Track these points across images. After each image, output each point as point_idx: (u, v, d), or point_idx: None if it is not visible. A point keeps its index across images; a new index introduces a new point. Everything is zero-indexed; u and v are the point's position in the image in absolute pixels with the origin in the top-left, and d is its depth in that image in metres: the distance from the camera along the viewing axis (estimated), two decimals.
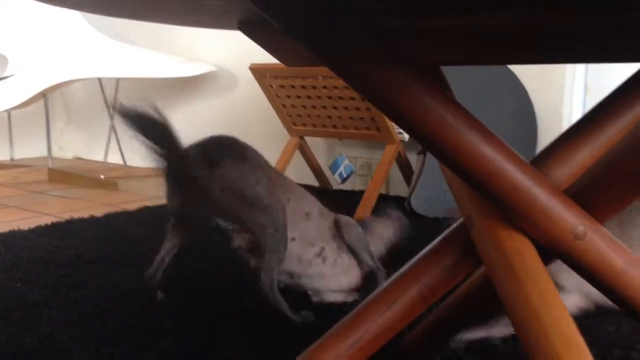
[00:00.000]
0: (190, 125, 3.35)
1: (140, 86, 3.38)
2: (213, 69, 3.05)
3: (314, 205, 1.35)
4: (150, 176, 3.23)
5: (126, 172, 3.18)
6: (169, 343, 1.11)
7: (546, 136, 2.27)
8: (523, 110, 2.28)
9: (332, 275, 1.33)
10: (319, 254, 1.31)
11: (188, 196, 1.22)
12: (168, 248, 1.32)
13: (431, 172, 2.20)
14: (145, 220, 2.07)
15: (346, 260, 1.35)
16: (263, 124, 2.88)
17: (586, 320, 1.22)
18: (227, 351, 1.09)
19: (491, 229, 0.64)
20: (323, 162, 2.75)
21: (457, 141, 0.60)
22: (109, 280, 1.45)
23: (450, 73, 2.18)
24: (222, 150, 1.23)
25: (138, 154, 3.33)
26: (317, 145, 2.79)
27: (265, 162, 1.31)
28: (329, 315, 1.24)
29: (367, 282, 1.35)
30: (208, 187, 1.17)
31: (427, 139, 0.62)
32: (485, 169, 0.61)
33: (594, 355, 0.63)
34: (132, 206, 2.36)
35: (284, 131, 2.58)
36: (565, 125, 2.27)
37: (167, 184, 1.27)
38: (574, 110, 2.27)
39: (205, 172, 1.18)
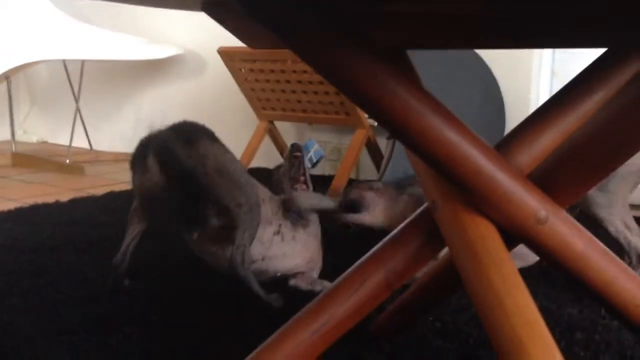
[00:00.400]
0: (157, 109, 3.32)
1: (105, 68, 3.31)
2: (180, 51, 3.00)
3: (264, 191, 1.37)
4: (117, 160, 3.18)
5: (93, 157, 3.13)
6: (135, 330, 1.10)
7: (514, 122, 2.30)
8: (491, 96, 2.30)
9: (293, 252, 1.36)
10: (277, 232, 1.33)
11: (166, 179, 1.21)
12: (134, 233, 1.30)
13: (400, 157, 2.20)
14: (111, 206, 2.04)
15: (302, 234, 1.39)
16: (232, 108, 2.86)
17: (549, 304, 1.24)
18: (195, 337, 1.08)
19: (455, 214, 0.65)
20: None
21: (421, 126, 0.60)
22: (73, 267, 1.42)
23: (419, 59, 2.17)
24: (197, 131, 1.25)
25: (105, 138, 3.25)
26: (286, 129, 2.77)
27: None
28: (300, 299, 1.24)
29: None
30: (189, 165, 1.17)
31: (391, 124, 0.62)
32: (449, 154, 0.61)
33: (556, 338, 0.64)
34: (99, 191, 2.32)
35: (253, 116, 2.56)
36: (532, 110, 2.29)
37: (136, 167, 1.25)
38: (541, 96, 2.30)
39: (186, 151, 1.18)
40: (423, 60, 2.27)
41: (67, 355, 1.00)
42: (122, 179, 2.59)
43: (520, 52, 2.28)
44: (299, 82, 2.27)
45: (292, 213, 1.38)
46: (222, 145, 1.27)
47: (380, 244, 0.73)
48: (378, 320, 1.13)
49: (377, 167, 2.45)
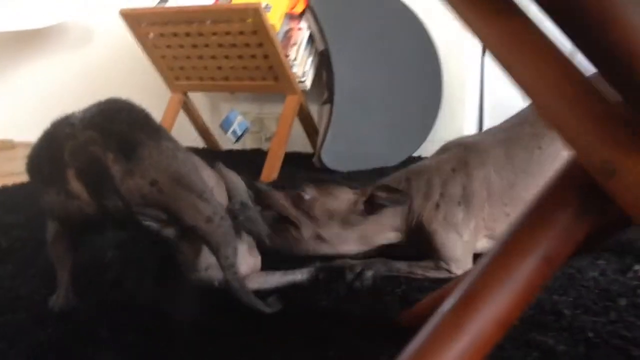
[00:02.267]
0: (37, 89, 2.88)
1: None
2: (65, 18, 2.60)
3: (210, 175, 1.06)
4: None
5: None
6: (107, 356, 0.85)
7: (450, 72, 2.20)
8: (425, 49, 2.17)
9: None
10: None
11: (99, 204, 0.87)
12: (67, 269, 0.99)
13: (341, 124, 2.02)
14: (10, 203, 1.69)
15: (245, 235, 1.11)
16: (134, 81, 2.51)
17: (568, 270, 1.13)
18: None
19: None
20: (207, 120, 2.45)
21: None
22: None
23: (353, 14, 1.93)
24: (131, 129, 0.89)
25: None
26: (198, 101, 2.48)
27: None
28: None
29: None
30: (131, 185, 0.86)
31: None
32: None
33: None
34: None
35: (163, 88, 2.25)
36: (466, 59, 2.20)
37: (47, 182, 0.90)
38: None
39: (124, 166, 0.86)
40: (358, 17, 2.10)
41: None
42: (6, 170, 2.19)
43: None
44: (220, 45, 2.00)
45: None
46: (168, 140, 0.92)
47: (510, 230, 0.54)
48: (408, 312, 0.96)
49: (310, 136, 2.25)
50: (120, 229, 0.94)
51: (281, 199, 1.19)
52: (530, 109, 1.22)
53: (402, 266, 1.15)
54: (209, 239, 0.94)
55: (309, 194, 1.19)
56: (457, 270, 1.14)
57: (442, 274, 1.14)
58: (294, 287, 1.09)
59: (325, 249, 1.19)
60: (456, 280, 0.89)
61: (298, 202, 1.19)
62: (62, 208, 0.89)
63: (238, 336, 0.92)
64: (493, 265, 0.53)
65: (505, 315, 0.51)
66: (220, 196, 1.05)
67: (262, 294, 1.01)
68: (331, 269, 1.12)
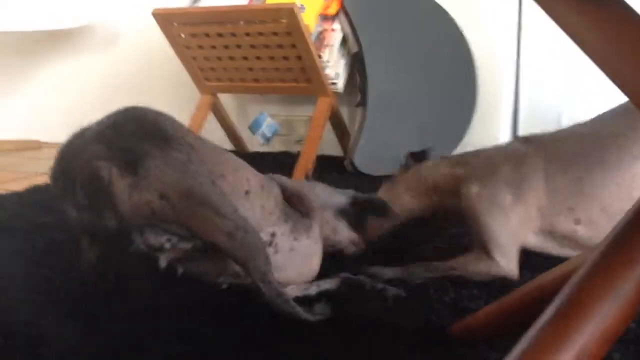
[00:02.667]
0: (59, 90, 2.87)
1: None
2: (94, 19, 2.59)
3: (253, 177, 1.01)
4: (19, 150, 2.73)
5: None
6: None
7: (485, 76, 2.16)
8: (460, 51, 2.14)
9: (288, 266, 1.03)
10: (270, 243, 0.99)
11: (96, 216, 0.85)
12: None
13: (374, 126, 1.99)
14: (43, 203, 1.66)
15: (305, 242, 1.06)
16: (165, 82, 2.50)
17: None
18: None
19: None
20: (235, 122, 2.43)
21: None
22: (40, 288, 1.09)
23: (384, 21, 1.90)
24: (138, 142, 0.84)
25: (3, 126, 2.75)
26: (224, 102, 2.45)
27: (184, 128, 0.95)
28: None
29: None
30: (138, 200, 0.82)
31: None
32: None
33: None
34: (13, 187, 1.91)
35: (193, 89, 2.23)
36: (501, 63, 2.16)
37: (65, 196, 0.88)
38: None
39: (129, 182, 0.81)
40: (392, 18, 2.07)
41: None
42: (34, 170, 2.17)
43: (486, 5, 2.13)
44: (253, 46, 1.98)
45: (296, 212, 1.06)
46: (180, 151, 0.86)
47: (613, 234, 0.51)
48: (461, 324, 0.93)
49: (341, 139, 2.22)
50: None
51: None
52: (613, 111, 1.19)
53: (441, 265, 1.12)
54: (233, 254, 0.88)
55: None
56: (500, 258, 1.09)
57: (482, 266, 1.10)
58: (336, 295, 1.06)
59: None
60: (514, 294, 0.86)
61: None
62: (78, 221, 0.88)
63: (284, 345, 0.89)
64: (596, 275, 0.50)
65: (612, 329, 0.48)
66: (263, 201, 1.00)
67: (305, 300, 0.98)
68: (355, 282, 1.08)
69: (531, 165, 1.12)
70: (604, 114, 1.21)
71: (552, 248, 1.14)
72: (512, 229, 1.11)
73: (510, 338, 0.87)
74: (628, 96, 0.48)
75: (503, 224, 1.10)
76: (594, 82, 2.07)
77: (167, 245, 0.88)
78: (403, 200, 1.24)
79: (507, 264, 1.10)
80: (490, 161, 1.17)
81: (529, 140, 1.19)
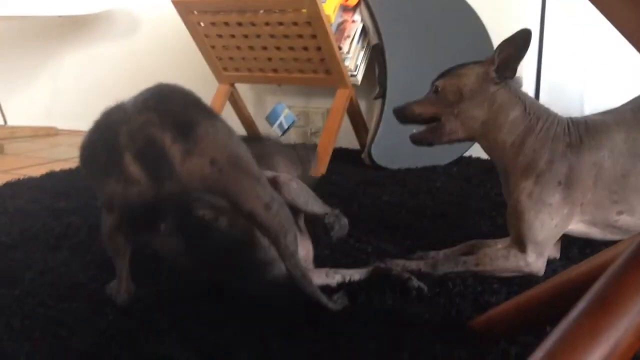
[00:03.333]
0: (80, 76, 2.88)
1: (14, 28, 2.83)
2: (113, 5, 2.59)
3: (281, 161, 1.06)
4: (37, 136, 2.74)
5: (8, 133, 2.66)
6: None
7: None
8: (481, 44, 2.11)
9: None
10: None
11: (158, 188, 0.82)
12: (126, 259, 0.94)
13: (392, 120, 1.96)
14: (60, 189, 1.67)
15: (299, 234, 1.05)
16: (182, 70, 2.49)
17: None
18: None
19: None
20: (252, 113, 2.42)
21: None
22: (54, 270, 1.08)
23: (406, 10, 1.86)
24: (186, 110, 0.85)
25: (19, 111, 2.78)
26: (243, 93, 2.45)
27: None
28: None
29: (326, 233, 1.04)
30: (191, 166, 0.81)
31: None
32: None
33: None
34: (30, 172, 1.92)
35: (211, 79, 2.23)
36: None
37: (103, 170, 0.86)
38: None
39: (183, 146, 0.81)
40: (413, 10, 2.05)
41: None
42: (51, 157, 2.18)
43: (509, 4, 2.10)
44: (272, 36, 1.96)
45: None
46: (223, 122, 0.88)
47: None
48: (483, 317, 0.91)
49: (358, 132, 2.21)
50: (174, 220, 0.90)
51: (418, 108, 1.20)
52: None
53: (469, 259, 1.10)
54: (268, 226, 0.87)
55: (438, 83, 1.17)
56: (532, 254, 1.07)
57: (511, 261, 1.08)
58: (358, 285, 1.05)
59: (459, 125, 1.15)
60: (536, 288, 0.84)
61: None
62: (122, 196, 0.84)
63: (301, 332, 0.88)
64: (631, 269, 0.48)
65: None
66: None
67: (326, 290, 0.97)
68: (385, 271, 1.07)
69: (586, 159, 1.08)
70: None
71: (594, 233, 1.13)
72: (553, 228, 1.08)
73: (530, 333, 0.87)
74: None
75: (546, 222, 1.08)
76: (618, 74, 2.05)
77: (209, 215, 0.89)
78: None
79: (537, 261, 1.08)
80: (543, 148, 1.09)
81: (586, 124, 1.12)
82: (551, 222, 1.07)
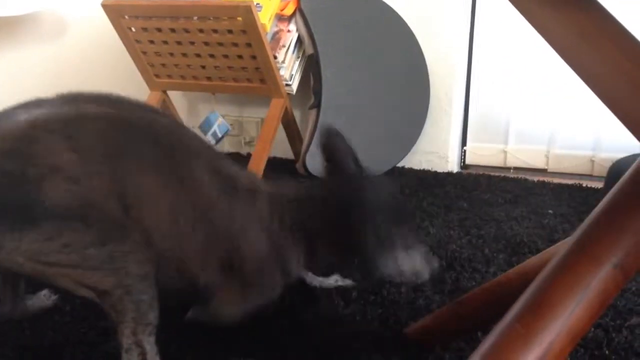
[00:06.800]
0: (8, 82, 2.74)
1: None
2: (40, 7, 2.49)
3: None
4: None
5: None
6: None
7: (436, 81, 2.18)
8: (414, 59, 2.15)
9: None
10: None
11: None
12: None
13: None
14: None
15: None
16: (112, 76, 2.42)
17: None
18: None
19: None
20: (184, 121, 2.37)
21: None
22: None
23: (338, 23, 1.88)
24: None
25: None
26: (175, 101, 2.39)
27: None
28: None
29: None
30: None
31: None
32: None
33: None
34: None
35: (142, 85, 2.17)
36: (454, 71, 2.19)
37: None
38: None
39: None
40: (348, 21, 2.07)
41: None
42: None
43: (439, 12, 2.16)
44: (206, 43, 1.93)
45: None
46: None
47: (580, 231, 0.51)
48: (417, 325, 0.92)
49: (292, 142, 2.20)
50: None
51: None
52: None
53: None
54: (118, 308, 0.73)
55: None
56: None
57: None
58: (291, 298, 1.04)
59: None
60: (469, 295, 0.86)
61: None
62: None
63: (253, 344, 0.86)
64: (563, 273, 0.50)
65: (578, 326, 0.48)
66: None
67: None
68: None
69: None
70: None
71: None
72: None
73: (463, 340, 0.88)
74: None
75: None
76: (543, 92, 2.14)
77: None
78: None
79: None
80: None
81: None
82: None
